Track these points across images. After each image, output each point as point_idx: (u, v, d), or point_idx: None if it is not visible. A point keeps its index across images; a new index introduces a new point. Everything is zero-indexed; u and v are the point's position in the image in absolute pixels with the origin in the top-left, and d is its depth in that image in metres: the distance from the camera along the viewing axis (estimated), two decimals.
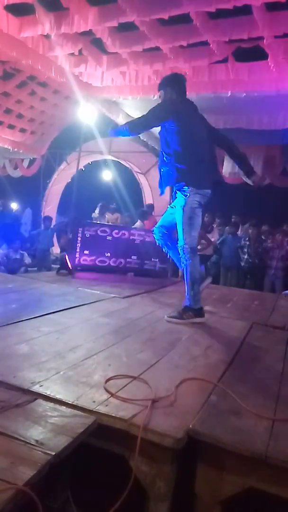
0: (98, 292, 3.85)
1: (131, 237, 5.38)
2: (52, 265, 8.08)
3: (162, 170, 3.11)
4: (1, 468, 1.09)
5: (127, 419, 1.45)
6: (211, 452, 1.41)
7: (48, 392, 1.58)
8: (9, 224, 10.52)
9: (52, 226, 9.17)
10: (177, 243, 3.03)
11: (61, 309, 2.98)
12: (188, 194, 2.92)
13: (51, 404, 1.49)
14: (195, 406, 1.61)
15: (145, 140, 9.46)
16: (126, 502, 1.28)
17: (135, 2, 4.70)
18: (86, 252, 5.07)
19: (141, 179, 11.79)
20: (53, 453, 1.18)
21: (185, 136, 2.93)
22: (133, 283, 4.74)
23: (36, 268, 8.08)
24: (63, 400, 1.54)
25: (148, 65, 6.19)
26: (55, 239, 9.31)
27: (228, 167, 9.52)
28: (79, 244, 5.04)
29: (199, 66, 6.11)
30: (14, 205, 12.34)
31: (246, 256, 7.70)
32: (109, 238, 5.25)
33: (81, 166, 10.14)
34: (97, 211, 10.41)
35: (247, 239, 7.79)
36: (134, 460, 1.38)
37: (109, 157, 11.88)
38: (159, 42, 5.44)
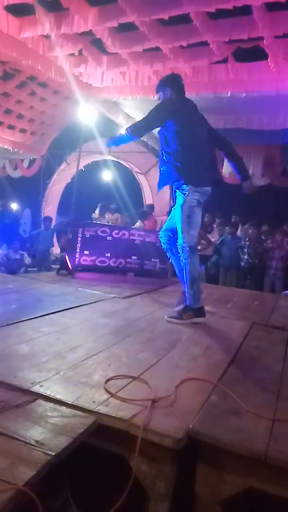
0: (98, 292, 3.85)
1: (131, 237, 5.38)
2: (52, 265, 8.08)
3: (162, 169, 3.11)
4: (1, 469, 1.09)
5: (127, 419, 1.45)
6: (211, 452, 1.41)
7: (48, 392, 1.58)
8: (9, 224, 10.51)
9: (52, 227, 9.17)
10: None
11: (61, 309, 2.98)
12: (187, 193, 2.93)
13: (51, 404, 1.49)
14: (195, 406, 1.61)
15: (145, 140, 9.45)
16: (126, 502, 1.28)
17: (135, 2, 4.70)
18: (86, 252, 5.07)
19: (141, 179, 11.80)
20: (53, 454, 1.18)
21: (185, 135, 2.93)
22: (133, 283, 4.74)
23: (36, 269, 8.08)
24: (63, 400, 1.54)
25: (148, 65, 6.20)
26: (55, 239, 9.31)
27: (228, 167, 9.50)
28: (79, 244, 5.04)
29: (199, 66, 6.11)
30: (14, 206, 12.34)
31: (246, 256, 7.70)
32: (109, 238, 5.25)
33: (81, 167, 10.14)
34: (97, 211, 10.41)
35: (247, 239, 7.79)
36: (134, 460, 1.38)
37: (109, 158, 11.88)
38: (159, 42, 5.45)
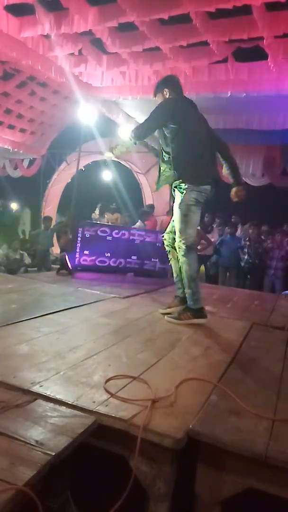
0: (98, 292, 3.85)
1: (131, 237, 5.38)
2: (52, 265, 8.08)
3: (161, 168, 3.11)
4: (1, 469, 1.09)
5: (127, 419, 1.45)
6: (211, 452, 1.41)
7: (48, 392, 1.58)
8: (9, 224, 10.51)
9: (52, 227, 9.17)
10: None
11: (61, 309, 2.98)
12: (185, 192, 2.92)
13: (51, 405, 1.49)
14: (195, 406, 1.61)
15: (145, 140, 9.46)
16: (126, 502, 1.28)
17: (135, 2, 4.70)
18: (86, 252, 5.07)
19: (141, 179, 11.80)
20: (53, 454, 1.18)
21: (185, 134, 2.93)
22: (133, 283, 4.74)
23: (36, 268, 8.07)
24: (63, 400, 1.54)
25: (148, 65, 6.20)
26: (55, 239, 9.31)
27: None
28: (79, 244, 5.04)
29: (199, 66, 6.12)
30: (14, 205, 12.34)
31: (246, 257, 7.70)
32: (109, 238, 5.25)
33: (81, 166, 10.14)
34: (97, 211, 10.41)
35: (247, 239, 7.79)
36: (134, 460, 1.38)
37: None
38: (159, 42, 5.45)
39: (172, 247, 3.17)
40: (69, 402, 1.52)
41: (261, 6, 4.51)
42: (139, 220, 7.40)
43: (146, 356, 2.15)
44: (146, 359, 2.10)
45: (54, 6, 5.08)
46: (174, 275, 3.24)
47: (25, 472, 1.09)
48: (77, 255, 5.03)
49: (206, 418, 1.52)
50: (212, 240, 8.11)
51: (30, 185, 12.90)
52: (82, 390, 1.64)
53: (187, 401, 1.66)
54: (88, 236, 5.09)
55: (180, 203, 2.95)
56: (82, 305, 3.24)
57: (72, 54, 6.30)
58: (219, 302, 4.08)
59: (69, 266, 4.92)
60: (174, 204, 3.04)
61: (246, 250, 7.70)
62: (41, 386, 1.63)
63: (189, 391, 1.77)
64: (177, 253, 3.05)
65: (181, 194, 2.95)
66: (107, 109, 8.14)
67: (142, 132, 2.97)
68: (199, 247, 7.66)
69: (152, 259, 5.42)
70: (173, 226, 3.12)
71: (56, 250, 9.29)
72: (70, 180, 11.87)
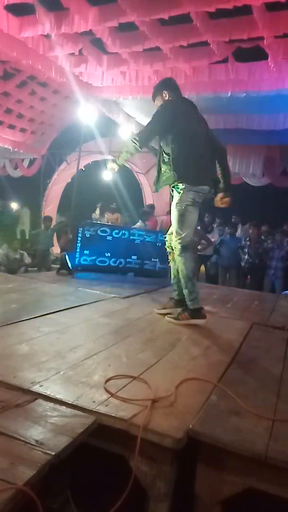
0: (98, 292, 3.85)
1: (131, 237, 5.38)
2: (52, 265, 8.08)
3: (161, 169, 3.11)
4: (1, 468, 1.09)
5: (127, 419, 1.45)
6: (211, 452, 1.41)
7: (48, 392, 1.58)
8: (9, 224, 10.51)
9: (52, 226, 9.17)
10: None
11: (61, 309, 2.98)
12: (182, 192, 2.93)
13: (51, 404, 1.49)
14: (195, 406, 1.61)
15: None
16: (126, 502, 1.28)
17: (135, 2, 4.70)
18: (86, 252, 5.07)
19: (141, 179, 11.80)
20: (53, 453, 1.18)
21: (185, 135, 2.93)
22: (133, 283, 4.74)
23: (36, 268, 8.08)
24: (63, 400, 1.54)
25: (148, 65, 6.20)
26: (55, 239, 9.31)
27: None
28: (79, 244, 5.04)
29: (199, 66, 6.12)
30: (14, 205, 12.35)
31: (246, 256, 7.70)
32: (109, 238, 5.25)
33: (81, 166, 10.14)
34: (97, 211, 10.41)
35: (247, 239, 7.80)
36: (134, 460, 1.38)
37: (109, 157, 11.87)
38: (159, 42, 5.45)
39: (173, 249, 3.17)
40: (69, 402, 1.52)
41: (261, 6, 4.51)
42: (139, 220, 7.40)
43: (146, 356, 2.15)
44: (146, 359, 2.10)
45: (54, 6, 5.08)
46: (172, 276, 3.24)
47: (25, 471, 1.09)
48: (77, 255, 5.03)
49: (206, 418, 1.52)
50: (212, 240, 8.11)
51: (30, 185, 12.90)
52: (82, 390, 1.64)
53: (187, 401, 1.66)
54: (88, 236, 5.09)
55: (177, 203, 2.96)
56: (82, 305, 3.24)
57: (73, 54, 6.30)
58: (219, 302, 4.08)
59: (69, 266, 4.92)
60: (172, 204, 3.04)
61: (246, 250, 7.71)
62: (41, 386, 1.63)
63: (189, 391, 1.77)
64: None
65: (178, 194, 2.96)
66: (107, 109, 8.14)
67: (146, 136, 2.95)
68: (199, 247, 7.67)
69: (152, 259, 5.42)
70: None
71: (56, 250, 9.30)
72: (70, 180, 11.88)
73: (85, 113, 8.00)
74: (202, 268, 8.52)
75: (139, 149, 2.95)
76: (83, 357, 2.03)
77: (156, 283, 4.84)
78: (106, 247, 5.21)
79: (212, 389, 1.79)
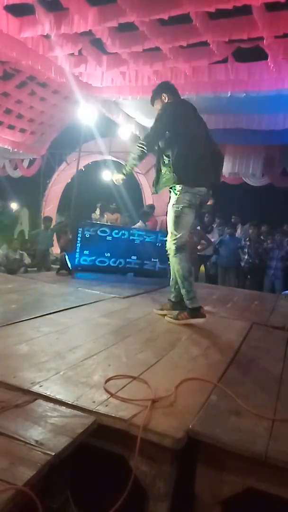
0: (98, 292, 3.85)
1: (131, 238, 5.38)
2: (52, 265, 8.08)
3: (161, 171, 3.10)
4: (1, 469, 1.09)
5: (127, 419, 1.45)
6: (211, 452, 1.41)
7: (48, 392, 1.58)
8: (8, 224, 10.51)
9: (52, 227, 9.17)
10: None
11: (61, 309, 2.98)
12: (178, 193, 2.93)
13: (51, 405, 1.49)
14: (195, 406, 1.61)
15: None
16: (126, 502, 1.28)
17: (135, 2, 4.70)
18: (86, 252, 5.07)
19: (141, 179, 11.80)
20: (53, 454, 1.18)
21: (185, 137, 2.94)
22: (133, 283, 4.74)
23: (35, 268, 8.08)
24: (63, 400, 1.54)
25: (148, 65, 6.20)
26: (55, 239, 9.31)
27: (228, 168, 9.53)
28: (79, 244, 5.04)
29: (199, 66, 6.12)
30: (14, 205, 12.35)
31: (246, 257, 7.71)
32: (109, 238, 5.25)
33: (81, 166, 10.15)
34: (97, 211, 10.40)
35: (247, 239, 7.80)
36: (134, 460, 1.38)
37: (109, 157, 11.89)
38: (159, 42, 5.45)
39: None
40: (69, 402, 1.52)
41: (261, 6, 4.51)
42: (140, 221, 7.41)
43: (146, 356, 2.15)
44: (146, 359, 2.10)
45: (54, 6, 5.08)
46: (171, 278, 3.24)
47: (25, 472, 1.09)
48: (77, 255, 5.03)
49: (206, 418, 1.52)
50: (212, 240, 8.11)
51: (30, 185, 12.90)
52: (82, 390, 1.64)
53: (187, 401, 1.66)
54: (88, 236, 5.09)
55: (173, 204, 2.96)
56: (82, 305, 3.24)
57: (72, 54, 6.30)
58: (219, 302, 4.08)
59: (69, 266, 4.92)
60: (168, 204, 3.05)
61: (246, 250, 7.71)
62: (41, 386, 1.63)
63: (189, 391, 1.77)
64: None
65: (175, 195, 2.96)
66: (107, 109, 8.14)
67: (152, 139, 2.95)
68: (199, 247, 7.68)
69: (152, 259, 5.42)
70: None
71: (56, 250, 9.30)
72: (70, 180, 11.88)
73: (85, 113, 8.00)
74: (202, 268, 8.53)
75: (147, 152, 2.94)
76: (83, 357, 2.03)
77: (156, 283, 4.84)
78: (106, 247, 5.21)
79: (212, 389, 1.79)
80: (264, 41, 5.11)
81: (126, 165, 3.12)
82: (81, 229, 5.06)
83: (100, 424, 1.43)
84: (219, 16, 4.91)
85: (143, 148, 2.91)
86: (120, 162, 11.81)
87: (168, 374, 1.94)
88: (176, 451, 1.40)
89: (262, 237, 8.05)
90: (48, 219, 9.22)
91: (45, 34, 5.50)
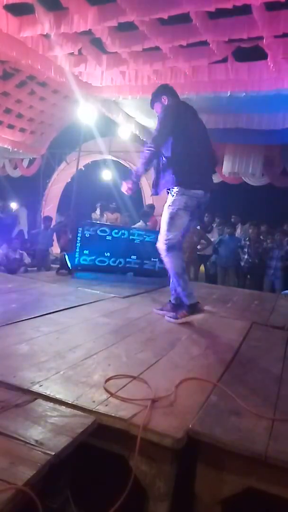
0: (98, 292, 3.85)
1: (130, 237, 5.38)
2: (52, 265, 8.08)
3: (161, 173, 3.10)
4: (1, 468, 1.09)
5: (126, 419, 1.45)
6: (211, 452, 1.41)
7: (48, 392, 1.58)
8: (8, 224, 10.51)
9: (52, 226, 9.17)
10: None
11: (61, 309, 2.98)
12: (175, 195, 2.94)
13: (50, 404, 1.49)
14: (194, 406, 1.61)
15: (145, 139, 9.45)
16: (126, 502, 1.28)
17: (134, 2, 4.69)
18: (85, 252, 5.07)
19: (141, 179, 11.78)
20: (53, 453, 1.18)
21: (185, 140, 2.94)
22: (133, 283, 4.75)
23: (35, 268, 8.08)
24: (63, 400, 1.54)
25: (148, 64, 6.19)
26: (55, 239, 9.31)
27: (228, 167, 9.53)
28: (78, 244, 5.04)
29: (199, 66, 6.10)
30: (14, 205, 12.35)
31: (246, 256, 7.71)
32: (108, 238, 5.25)
33: (80, 166, 10.14)
34: (97, 211, 10.40)
35: (247, 239, 7.80)
36: (134, 460, 1.38)
37: (109, 157, 11.88)
38: (158, 41, 5.44)
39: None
40: (69, 402, 1.52)
41: (260, 6, 4.50)
42: (141, 221, 7.40)
43: (146, 356, 2.15)
44: (146, 359, 2.10)
45: (53, 6, 5.06)
46: (170, 280, 3.24)
47: (25, 471, 1.09)
48: (76, 255, 5.03)
49: (205, 417, 1.52)
50: (212, 239, 8.11)
51: (29, 184, 12.89)
52: (82, 390, 1.64)
53: (187, 401, 1.66)
54: (88, 235, 5.09)
55: (169, 205, 2.97)
56: (82, 304, 3.24)
57: (72, 53, 6.29)
58: (219, 302, 4.08)
59: (69, 265, 4.92)
60: (165, 205, 3.05)
61: (246, 250, 7.71)
62: (41, 385, 1.63)
63: (189, 390, 1.77)
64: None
65: (172, 196, 2.97)
66: (107, 108, 8.13)
67: (159, 139, 2.94)
68: (198, 247, 7.68)
69: (152, 259, 5.42)
70: None
71: (55, 250, 9.30)
72: (69, 180, 11.87)
73: (85, 113, 8.00)
74: (202, 268, 8.52)
75: (156, 153, 2.94)
76: (83, 357, 2.03)
77: (155, 282, 4.84)
78: (106, 247, 5.21)
79: (212, 389, 1.79)
80: (264, 40, 5.10)
81: (134, 172, 3.10)
82: (81, 228, 5.06)
83: (100, 423, 1.43)
84: (218, 16, 4.90)
85: (152, 149, 2.91)
86: (120, 161, 11.82)
87: (168, 373, 1.94)
88: (176, 451, 1.40)
89: (262, 236, 8.05)
90: (48, 219, 9.22)
91: (45, 33, 5.49)
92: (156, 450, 1.41)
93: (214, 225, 9.11)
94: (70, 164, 11.54)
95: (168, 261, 2.98)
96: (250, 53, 5.60)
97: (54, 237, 9.24)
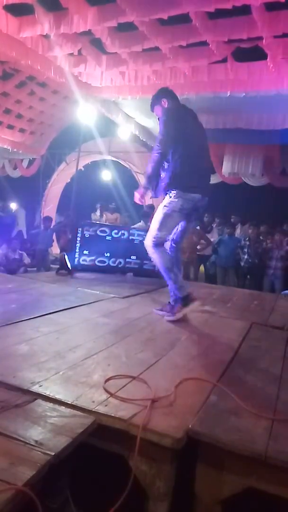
0: (98, 292, 3.85)
1: (130, 237, 5.38)
2: (51, 265, 8.08)
3: (160, 176, 3.10)
4: (1, 469, 1.09)
5: (126, 419, 1.45)
6: (211, 452, 1.41)
7: (47, 392, 1.58)
8: (8, 224, 10.51)
9: (51, 227, 9.17)
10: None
11: (60, 309, 2.98)
12: (171, 197, 2.94)
13: (50, 404, 1.49)
14: (194, 406, 1.61)
15: (144, 140, 9.46)
16: (126, 502, 1.28)
17: (134, 2, 4.69)
18: (85, 252, 5.07)
19: (141, 179, 11.78)
20: (53, 454, 1.18)
21: (185, 143, 2.94)
22: (133, 283, 4.74)
23: (35, 268, 8.08)
24: (63, 400, 1.53)
25: (148, 65, 6.18)
26: (54, 239, 9.31)
27: (227, 167, 9.53)
28: (78, 244, 5.04)
29: (199, 66, 6.10)
30: (13, 205, 12.35)
31: (246, 256, 7.71)
32: (108, 238, 5.25)
33: (80, 166, 10.14)
34: (98, 212, 10.40)
35: (247, 239, 7.80)
36: (133, 460, 1.38)
37: (109, 157, 11.88)
38: (158, 42, 5.44)
39: (172, 253, 3.19)
40: (68, 402, 1.52)
41: (260, 6, 4.51)
42: (141, 221, 7.40)
43: (146, 356, 2.15)
44: (145, 359, 2.10)
45: (53, 6, 5.06)
46: None
47: (25, 472, 1.09)
48: (76, 255, 5.03)
49: (205, 417, 1.52)
50: (212, 240, 8.11)
51: (29, 185, 12.89)
52: (82, 390, 1.64)
53: (187, 401, 1.66)
54: (88, 236, 5.09)
55: (165, 205, 2.98)
56: (82, 305, 3.24)
57: (72, 54, 6.29)
58: (219, 302, 4.08)
59: (69, 266, 4.92)
60: (160, 204, 3.05)
61: (246, 250, 7.71)
62: (40, 386, 1.63)
63: (188, 390, 1.77)
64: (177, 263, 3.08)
65: (169, 197, 2.98)
66: (107, 109, 8.13)
67: (164, 142, 2.93)
68: (198, 247, 7.68)
69: (152, 259, 5.42)
70: (175, 234, 3.14)
71: (55, 250, 9.30)
72: (69, 180, 11.87)
73: (84, 113, 8.00)
74: (202, 268, 8.52)
75: (165, 154, 2.93)
76: (82, 357, 2.03)
77: (155, 283, 4.84)
78: (106, 247, 5.21)
79: (212, 389, 1.79)
80: (264, 41, 5.10)
81: (144, 175, 3.10)
82: (80, 229, 5.06)
83: (100, 424, 1.43)
84: (218, 16, 4.90)
85: (160, 152, 2.91)
86: (120, 162, 11.82)
87: (168, 373, 1.94)
88: (175, 451, 1.40)
89: (261, 237, 8.05)
90: (48, 219, 9.22)
91: (45, 34, 5.49)
92: (156, 450, 1.41)
93: (214, 225, 9.11)
94: (69, 165, 11.55)
95: (156, 256, 3.02)
96: (250, 53, 5.60)
97: (54, 237, 9.23)
